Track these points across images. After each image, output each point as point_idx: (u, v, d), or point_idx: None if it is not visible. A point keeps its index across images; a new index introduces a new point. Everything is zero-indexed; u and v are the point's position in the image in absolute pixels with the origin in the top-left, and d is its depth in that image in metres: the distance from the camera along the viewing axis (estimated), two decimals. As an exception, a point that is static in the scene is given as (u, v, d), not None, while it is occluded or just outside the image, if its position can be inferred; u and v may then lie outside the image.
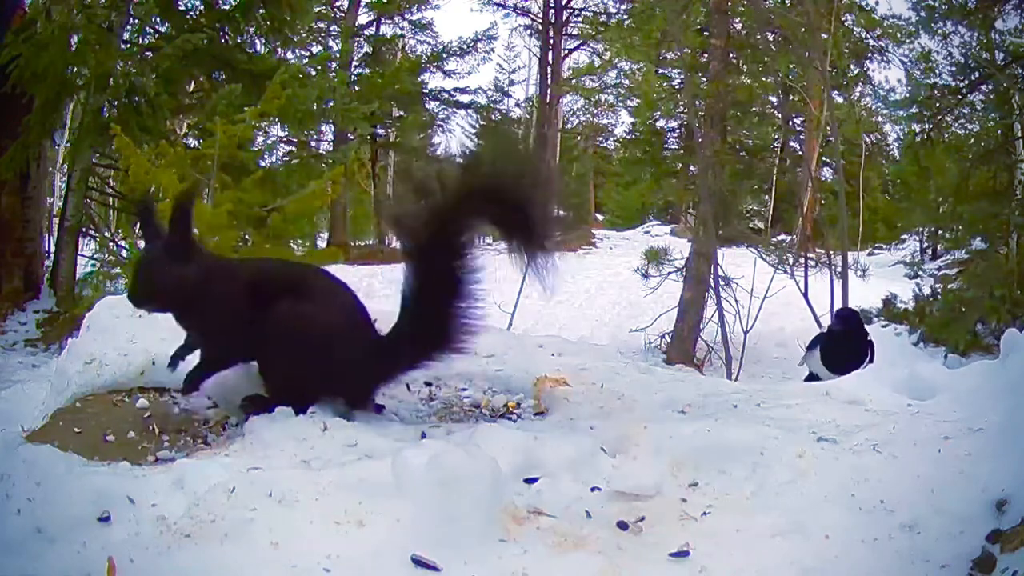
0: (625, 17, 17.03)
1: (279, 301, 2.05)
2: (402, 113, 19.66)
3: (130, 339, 2.28)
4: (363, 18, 18.92)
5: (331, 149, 15.10)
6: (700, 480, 1.81)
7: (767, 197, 17.22)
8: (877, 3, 17.13)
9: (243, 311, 2.05)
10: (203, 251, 2.17)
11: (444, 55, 19.43)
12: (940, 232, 15.21)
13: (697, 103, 11.02)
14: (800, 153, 15.35)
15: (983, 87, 11.13)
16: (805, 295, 7.01)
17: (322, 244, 16.98)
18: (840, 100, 15.13)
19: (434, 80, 19.65)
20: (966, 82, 11.14)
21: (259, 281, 2.12)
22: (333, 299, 2.14)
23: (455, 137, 20.01)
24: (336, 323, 2.10)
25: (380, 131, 19.67)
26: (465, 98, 19.93)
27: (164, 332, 2.30)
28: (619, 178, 20.25)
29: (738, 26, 12.60)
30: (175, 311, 2.09)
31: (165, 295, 2.03)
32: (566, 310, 13.04)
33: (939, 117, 11.57)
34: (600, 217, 22.68)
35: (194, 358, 2.18)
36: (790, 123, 15.01)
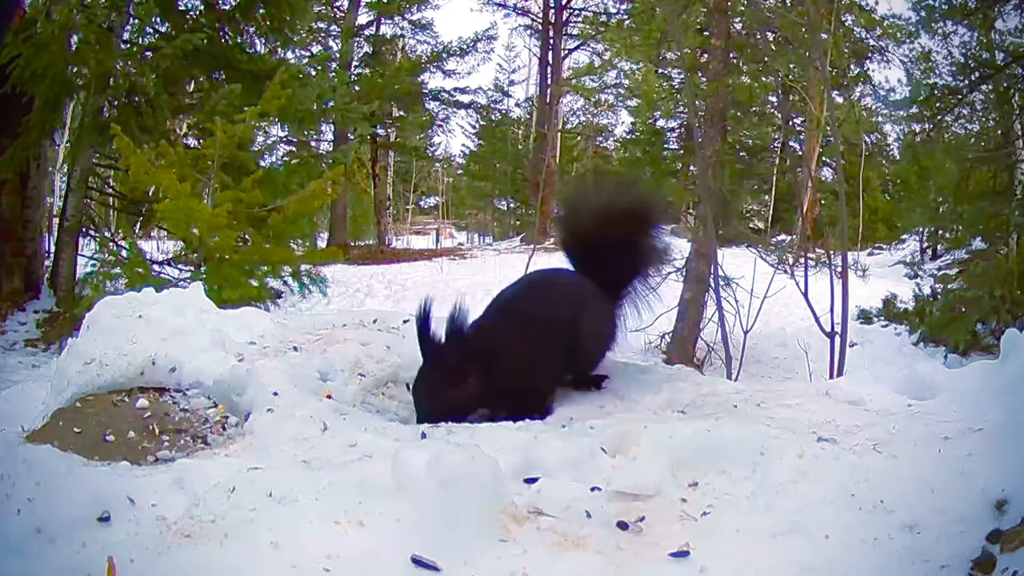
0: (625, 17, 17.04)
1: None
2: (402, 113, 19.66)
3: (130, 339, 2.28)
4: (363, 18, 18.97)
5: (331, 149, 15.08)
6: (700, 480, 1.81)
7: (767, 197, 17.23)
8: (877, 3, 17.17)
9: None
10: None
11: (444, 55, 19.44)
12: (940, 232, 15.21)
13: (697, 103, 11.00)
14: (800, 153, 15.35)
15: (983, 87, 11.13)
16: (805, 295, 6.97)
17: (322, 244, 16.96)
18: (840, 100, 15.12)
19: (434, 80, 19.69)
20: (966, 82, 11.14)
21: None
22: None
23: (455, 137, 20.08)
24: None
25: (380, 131, 19.66)
26: (465, 98, 19.98)
27: (164, 332, 2.30)
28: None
29: (738, 26, 12.59)
30: None
31: None
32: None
33: (939, 117, 11.57)
34: (600, 217, 22.63)
35: (193, 360, 2.18)
36: (790, 123, 14.99)
